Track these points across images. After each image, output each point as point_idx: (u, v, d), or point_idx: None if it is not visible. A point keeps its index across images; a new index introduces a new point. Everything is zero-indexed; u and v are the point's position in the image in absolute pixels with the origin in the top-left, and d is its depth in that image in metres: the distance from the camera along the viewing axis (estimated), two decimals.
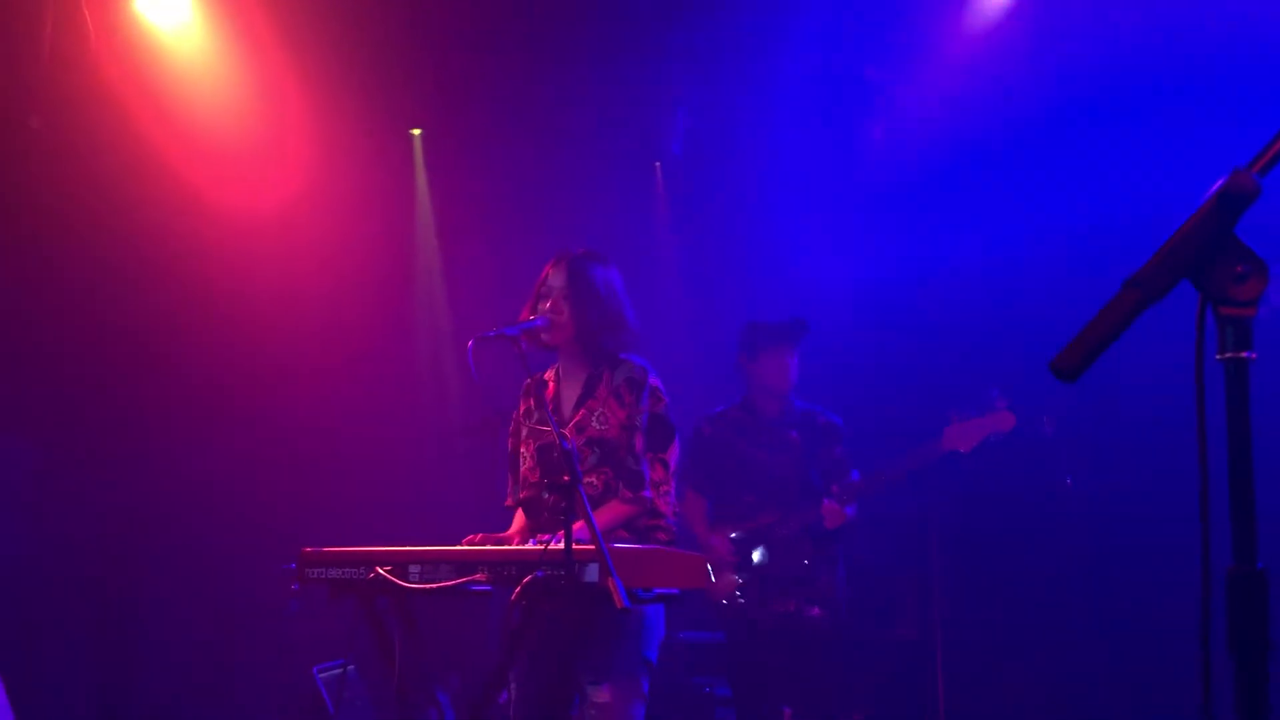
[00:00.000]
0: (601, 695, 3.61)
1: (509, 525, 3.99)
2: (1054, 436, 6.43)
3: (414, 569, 3.49)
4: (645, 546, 3.50)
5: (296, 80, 6.52)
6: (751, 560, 5.37)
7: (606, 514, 3.69)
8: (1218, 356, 1.37)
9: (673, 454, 3.88)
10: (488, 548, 3.56)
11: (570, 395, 3.93)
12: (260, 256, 6.56)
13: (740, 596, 5.36)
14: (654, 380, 3.87)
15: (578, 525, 3.28)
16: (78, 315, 5.99)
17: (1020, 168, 6.60)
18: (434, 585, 3.43)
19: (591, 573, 3.19)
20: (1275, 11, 5.46)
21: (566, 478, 3.29)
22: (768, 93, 7.02)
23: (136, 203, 6.14)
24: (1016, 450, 6.42)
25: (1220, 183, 1.35)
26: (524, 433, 3.98)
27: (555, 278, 3.91)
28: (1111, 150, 6.17)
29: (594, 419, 3.83)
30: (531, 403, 3.99)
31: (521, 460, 3.99)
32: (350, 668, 4.18)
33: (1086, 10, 6.04)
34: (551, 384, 4.00)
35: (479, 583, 3.40)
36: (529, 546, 3.58)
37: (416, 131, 7.42)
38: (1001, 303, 6.48)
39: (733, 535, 5.41)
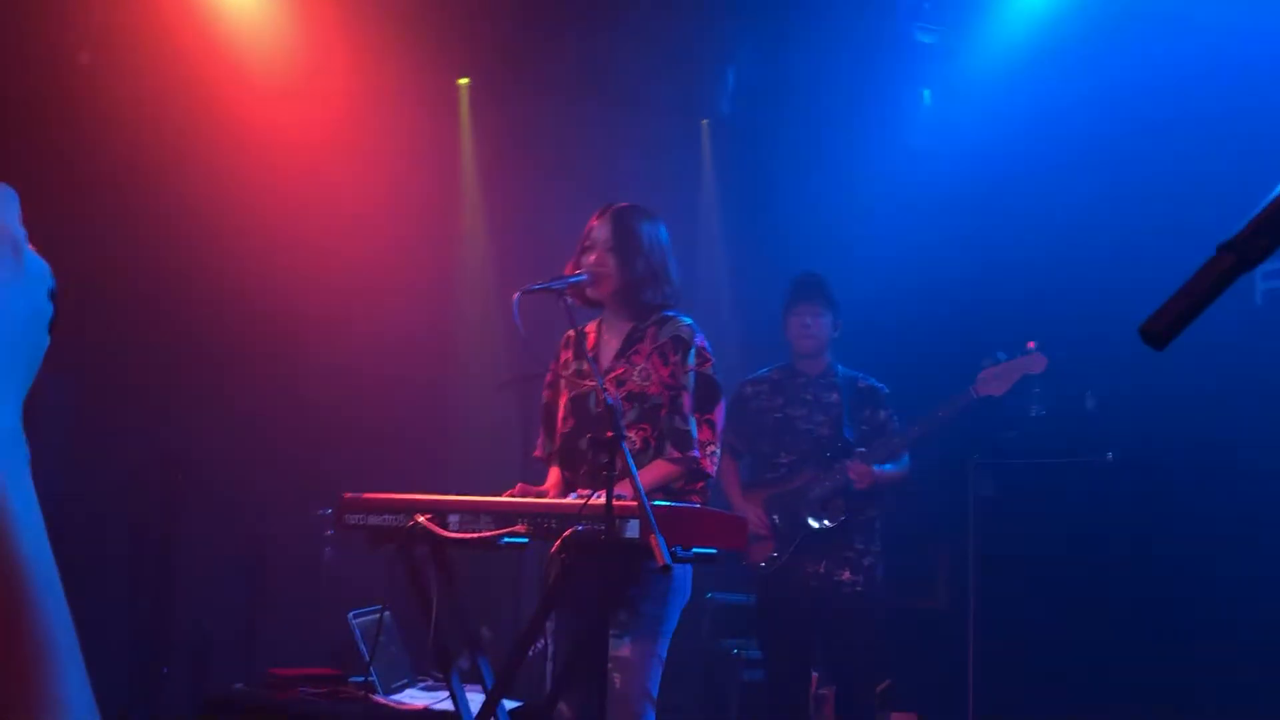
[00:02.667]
0: (623, 650, 3.61)
1: (543, 478, 3.98)
2: (1096, 410, 6.39)
3: (453, 518, 3.49)
4: (684, 505, 3.48)
5: (347, 24, 6.49)
6: (785, 526, 5.34)
7: (652, 472, 3.66)
8: None
9: (719, 415, 3.85)
10: (528, 500, 3.55)
11: (610, 348, 3.90)
12: (306, 201, 6.55)
13: (774, 558, 5.34)
14: (700, 340, 3.84)
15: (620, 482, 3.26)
16: (118, 252, 6.00)
17: (1074, 137, 6.49)
18: (473, 535, 3.43)
19: (632, 529, 3.18)
20: None
21: (610, 434, 3.28)
22: (817, 53, 6.94)
23: (183, 141, 6.13)
24: (1058, 425, 6.37)
25: None
26: (561, 384, 3.96)
27: (600, 230, 3.87)
28: (1168, 114, 6.04)
29: (635, 373, 3.79)
30: (570, 354, 3.96)
31: (558, 413, 3.96)
32: (386, 615, 4.16)
33: None
34: (592, 336, 3.97)
35: (518, 534, 3.40)
36: (569, 500, 3.57)
37: (464, 81, 7.38)
38: (1047, 273, 6.40)
39: (765, 498, 5.39)
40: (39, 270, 0.93)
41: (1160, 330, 1.28)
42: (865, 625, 5.38)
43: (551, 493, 3.84)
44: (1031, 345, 5.28)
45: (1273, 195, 1.30)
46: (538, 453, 4.06)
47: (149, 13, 6.03)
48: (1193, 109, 5.86)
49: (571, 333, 3.95)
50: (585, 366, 3.81)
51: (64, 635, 0.82)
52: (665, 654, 3.70)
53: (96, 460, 5.96)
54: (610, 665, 3.60)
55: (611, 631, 3.61)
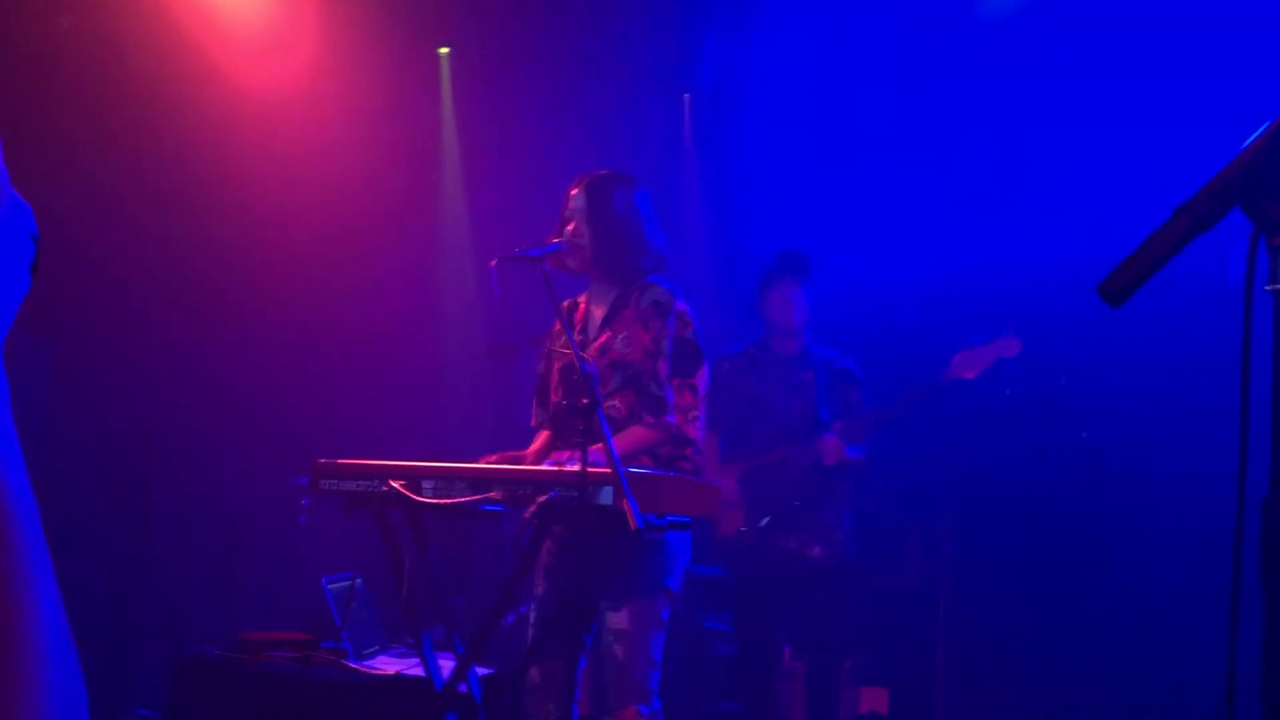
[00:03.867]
0: (619, 620, 3.63)
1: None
2: (1068, 389, 6.43)
3: (428, 484, 3.51)
4: (660, 472, 3.50)
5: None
6: (757, 496, 5.37)
7: (628, 438, 3.67)
8: (1267, 287, 1.35)
9: (701, 379, 3.86)
10: (503, 466, 3.57)
11: (596, 317, 3.93)
12: (284, 169, 6.52)
13: (745, 533, 5.37)
14: (680, 305, 3.85)
15: (595, 448, 3.29)
16: (91, 218, 5.97)
17: (1056, 121, 6.51)
18: (448, 501, 3.45)
19: (606, 495, 3.21)
20: None
21: (585, 400, 3.31)
22: (799, 26, 6.94)
23: (162, 106, 6.10)
24: (1031, 404, 6.41)
25: None
26: (554, 355, 3.98)
27: (576, 200, 3.89)
28: (1149, 94, 6.07)
29: (618, 341, 3.81)
30: (561, 324, 3.99)
31: (550, 382, 3.99)
32: (358, 581, 4.20)
33: None
34: (582, 305, 4.00)
35: (493, 501, 3.42)
36: (544, 467, 3.59)
37: (444, 50, 7.36)
38: (1022, 253, 6.43)
39: (740, 473, 5.42)
40: (21, 210, 0.92)
41: (1117, 289, 1.31)
42: (836, 600, 5.42)
43: (530, 459, 3.86)
44: (1008, 331, 5.33)
45: (1228, 160, 1.33)
46: (532, 421, 4.08)
47: None
48: (1173, 89, 5.88)
49: (566, 303, 3.97)
50: (569, 336, 3.84)
51: (50, 633, 0.83)
52: (667, 618, 3.72)
53: (69, 427, 5.93)
54: (610, 637, 3.63)
55: (609, 605, 3.64)
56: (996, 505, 6.54)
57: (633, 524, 3.03)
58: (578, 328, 3.93)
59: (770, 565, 5.34)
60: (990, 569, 6.49)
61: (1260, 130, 1.34)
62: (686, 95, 7.80)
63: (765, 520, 5.32)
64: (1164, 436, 5.92)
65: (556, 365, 3.93)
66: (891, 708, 6.21)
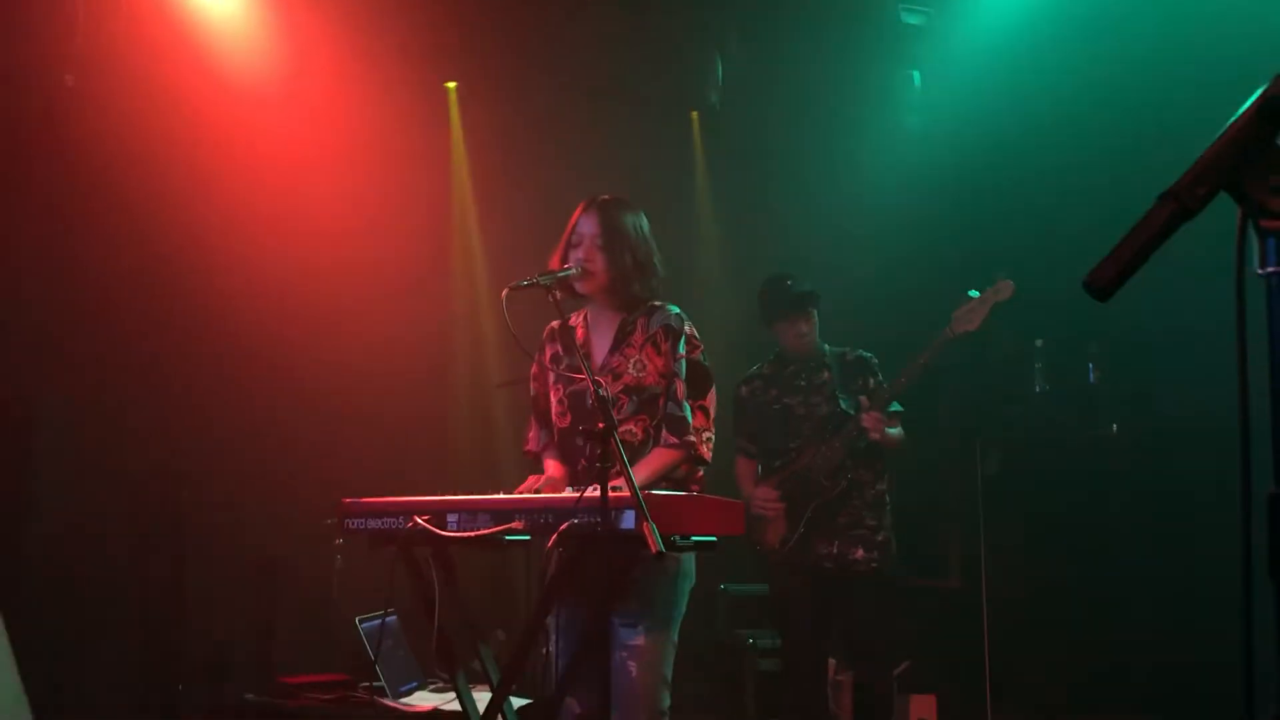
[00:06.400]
0: (635, 638, 3.61)
1: (536, 471, 3.97)
2: (1099, 383, 6.37)
3: (451, 518, 3.49)
4: (681, 493, 3.48)
5: (333, 33, 6.51)
6: (795, 506, 5.34)
7: (654, 461, 3.67)
8: (1259, 271, 1.31)
9: (711, 401, 3.84)
10: (524, 496, 3.55)
11: (602, 341, 3.89)
12: (298, 209, 6.56)
13: (786, 544, 5.34)
14: (689, 328, 3.84)
15: (614, 473, 3.26)
16: (112, 270, 6.02)
17: (1065, 114, 6.47)
18: (471, 534, 3.44)
19: (628, 519, 3.18)
20: None
21: (601, 425, 3.29)
22: (805, 39, 6.94)
23: (173, 156, 6.15)
24: (1063, 398, 6.36)
25: (1261, 91, 1.29)
26: (551, 378, 3.95)
27: (585, 225, 3.85)
28: (1156, 90, 6.02)
29: (630, 365, 3.79)
30: (559, 348, 3.96)
31: (551, 405, 3.96)
32: (391, 617, 4.18)
33: None
34: (580, 330, 3.96)
35: (516, 531, 3.40)
36: (565, 494, 3.57)
37: (452, 85, 7.39)
38: (1042, 250, 6.39)
39: (776, 482, 5.39)
40: None
41: (1104, 282, 1.28)
42: (882, 605, 5.38)
43: (548, 484, 3.82)
44: (998, 276, 5.28)
45: (1211, 142, 1.30)
46: (529, 446, 4.05)
47: (133, 33, 6.04)
48: (1179, 84, 5.83)
49: (555, 324, 3.95)
50: (578, 361, 3.81)
51: None
52: (677, 638, 3.71)
53: (102, 478, 5.98)
54: (625, 654, 3.61)
55: (624, 622, 3.62)
56: (1031, 502, 6.49)
57: (654, 547, 3.01)
58: (579, 351, 3.89)
59: (814, 574, 5.30)
60: (1029, 566, 6.43)
61: (1240, 110, 1.30)
62: (695, 113, 7.80)
63: (807, 519, 5.29)
64: (1198, 423, 5.85)
65: (560, 389, 3.90)
66: (941, 714, 6.15)
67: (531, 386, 4.06)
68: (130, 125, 6.00)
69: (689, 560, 3.73)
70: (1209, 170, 1.27)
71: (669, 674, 3.68)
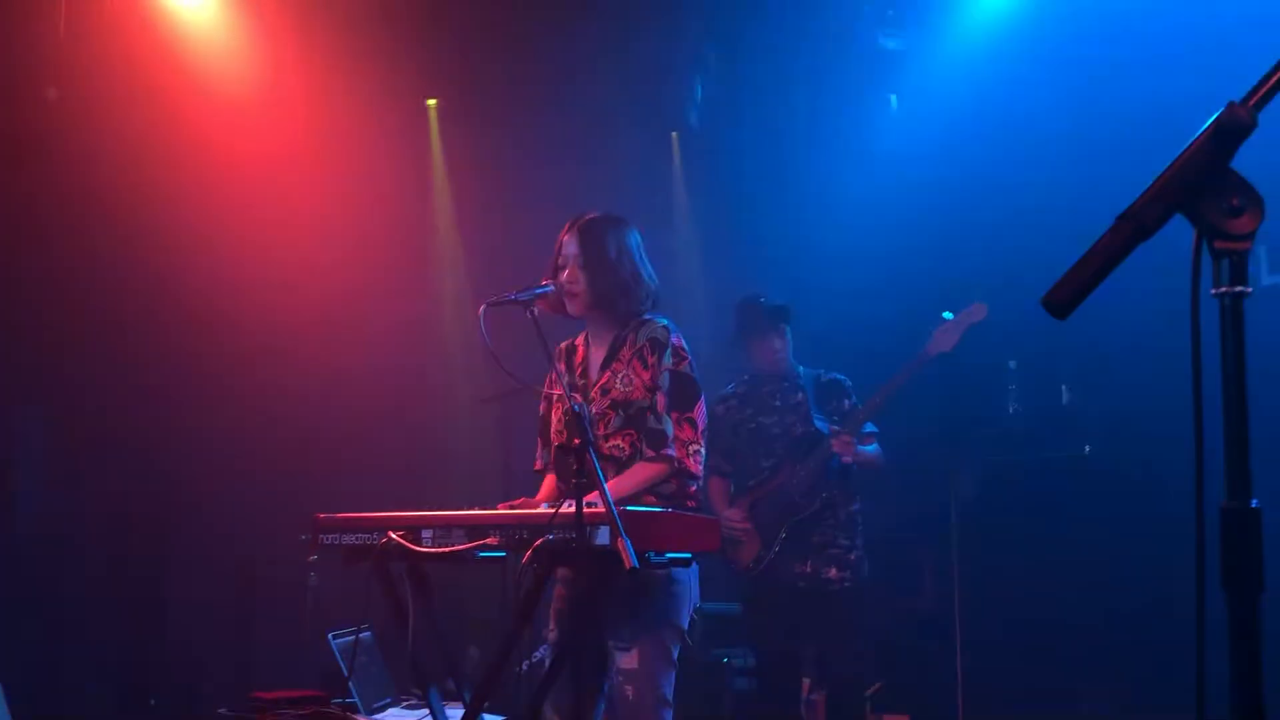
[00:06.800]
0: (628, 661, 3.60)
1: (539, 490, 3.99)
2: (1071, 405, 6.42)
3: (426, 533, 3.50)
4: (656, 510, 3.48)
5: (314, 51, 6.53)
6: (770, 524, 5.37)
7: (635, 474, 3.67)
8: (1213, 292, 1.35)
9: (700, 413, 3.84)
10: (499, 511, 3.56)
11: (596, 358, 3.92)
12: (277, 226, 6.57)
13: (760, 562, 5.37)
14: (677, 339, 3.84)
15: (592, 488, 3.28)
16: (93, 282, 6.02)
17: (1041, 135, 6.53)
18: (446, 549, 3.44)
19: (603, 535, 3.19)
20: None
21: (577, 440, 3.30)
22: (784, 62, 7.00)
23: (157, 172, 6.17)
24: (1036, 420, 6.40)
25: (1216, 116, 1.33)
26: (555, 397, 3.98)
27: (569, 246, 3.88)
28: (1131, 110, 6.08)
29: (618, 381, 3.81)
30: (563, 366, 3.99)
31: (552, 423, 3.98)
32: (365, 633, 4.18)
33: None
34: (581, 348, 4.00)
35: (491, 547, 3.41)
36: (541, 510, 3.58)
37: (432, 102, 7.42)
38: (1017, 271, 6.43)
39: (749, 502, 5.42)
40: None
41: (1062, 300, 1.31)
42: (855, 625, 5.41)
43: (540, 503, 3.84)
44: (973, 299, 5.36)
45: (1168, 165, 1.33)
46: (537, 465, 4.07)
47: (115, 47, 6.06)
48: (1152, 108, 5.89)
49: (562, 345, 3.99)
50: (571, 378, 3.85)
51: None
52: (676, 655, 3.70)
53: (80, 490, 5.97)
54: (621, 678, 3.60)
55: (618, 645, 3.62)
56: (1004, 522, 6.52)
57: (627, 563, 3.02)
58: (578, 370, 3.93)
59: (788, 593, 5.33)
60: (1002, 587, 6.46)
61: (1198, 133, 1.34)
62: (674, 133, 7.84)
63: (782, 539, 5.31)
64: (1170, 446, 5.89)
65: (559, 408, 3.92)
66: None
67: (541, 406, 4.08)
68: (111, 138, 6.01)
69: (686, 577, 3.72)
70: (1164, 192, 1.31)
71: (669, 693, 3.66)
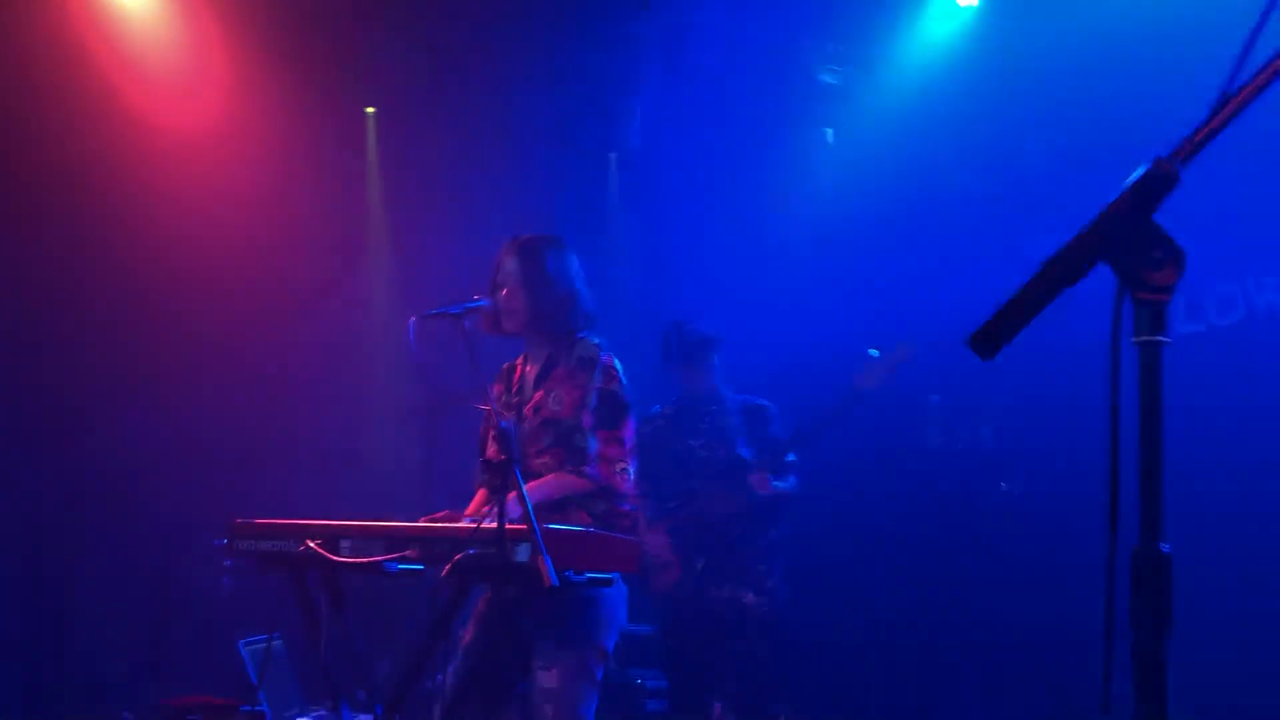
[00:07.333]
0: (549, 679, 3.59)
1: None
2: (992, 445, 6.51)
3: (345, 543, 3.46)
4: (578, 529, 3.48)
5: (253, 53, 6.47)
6: (689, 548, 5.39)
7: (545, 487, 3.66)
8: (1133, 340, 1.39)
9: (627, 432, 3.84)
10: (420, 524, 3.54)
11: (530, 377, 3.94)
12: (210, 228, 6.50)
13: (681, 588, 5.39)
14: (607, 358, 3.86)
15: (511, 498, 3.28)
16: (7, 285, 5.92)
17: (982, 172, 6.63)
18: (364, 560, 3.41)
19: (522, 552, 3.17)
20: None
21: (503, 456, 3.30)
22: (724, 91, 7.05)
23: (89, 167, 6.08)
24: (956, 459, 6.48)
25: (1141, 170, 1.37)
26: (486, 415, 3.97)
27: (509, 263, 3.91)
28: (1073, 144, 6.19)
29: (550, 399, 3.82)
30: (500, 388, 4.01)
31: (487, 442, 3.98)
32: (276, 642, 4.14)
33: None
34: (519, 368, 4.01)
35: (409, 559, 3.39)
36: (462, 524, 3.56)
37: (370, 110, 7.39)
38: (947, 309, 6.52)
39: (669, 526, 5.44)
40: None
41: (988, 342, 1.34)
42: (768, 650, 5.44)
43: (468, 517, 3.82)
44: (901, 340, 5.45)
45: (1093, 216, 1.37)
46: (476, 481, 4.07)
47: (55, 44, 5.97)
48: (1093, 143, 5.99)
49: (505, 366, 4.01)
50: (508, 397, 3.86)
51: None
52: (600, 676, 3.69)
53: None
54: (539, 697, 3.59)
55: (540, 664, 3.61)
56: (922, 558, 6.59)
57: (547, 580, 3.02)
58: (515, 388, 3.93)
59: (704, 616, 5.36)
60: (919, 618, 6.52)
61: (1123, 186, 1.38)
62: (613, 155, 7.87)
63: (701, 563, 5.34)
64: (1089, 485, 5.98)
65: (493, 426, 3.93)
66: None
67: (483, 424, 4.07)
68: (43, 140, 5.92)
69: (611, 598, 3.72)
70: (1089, 242, 1.35)
71: (588, 714, 3.64)
